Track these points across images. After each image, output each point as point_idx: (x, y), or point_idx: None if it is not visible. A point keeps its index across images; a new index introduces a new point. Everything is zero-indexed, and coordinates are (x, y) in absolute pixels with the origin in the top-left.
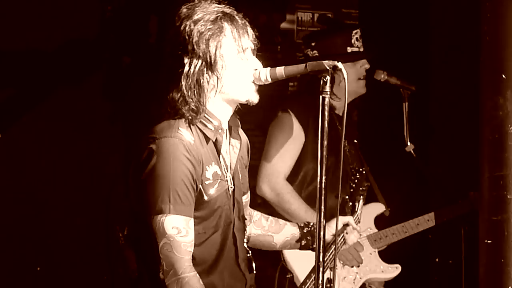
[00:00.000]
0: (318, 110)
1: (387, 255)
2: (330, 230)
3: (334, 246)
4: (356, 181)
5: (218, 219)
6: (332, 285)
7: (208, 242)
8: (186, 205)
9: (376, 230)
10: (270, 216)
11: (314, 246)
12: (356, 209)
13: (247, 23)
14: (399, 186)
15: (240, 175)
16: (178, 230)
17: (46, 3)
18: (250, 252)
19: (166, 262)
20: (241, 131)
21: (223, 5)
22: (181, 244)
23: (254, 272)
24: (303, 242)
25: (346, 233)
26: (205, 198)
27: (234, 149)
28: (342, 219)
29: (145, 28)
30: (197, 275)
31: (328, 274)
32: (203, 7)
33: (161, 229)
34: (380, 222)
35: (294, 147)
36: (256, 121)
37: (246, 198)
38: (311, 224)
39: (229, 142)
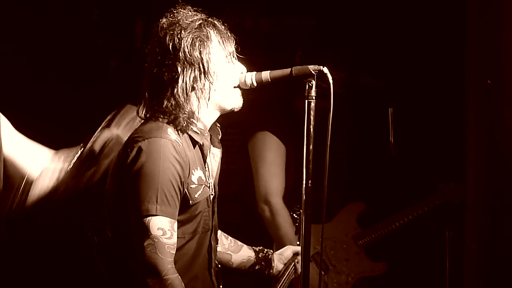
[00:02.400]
0: (290, 117)
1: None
2: (281, 258)
3: (284, 276)
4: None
5: (197, 225)
6: None
7: (184, 247)
8: (172, 207)
9: (360, 230)
10: (229, 236)
11: (267, 272)
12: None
13: (227, 28)
14: (381, 186)
15: (217, 188)
16: (163, 231)
17: (34, 6)
18: (219, 265)
19: (149, 262)
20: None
21: (201, 12)
22: (165, 245)
23: (221, 286)
24: (257, 267)
25: (297, 262)
26: (190, 202)
27: (215, 157)
28: (293, 249)
29: (131, 32)
30: (179, 277)
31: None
32: (185, 15)
33: (146, 230)
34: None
35: (282, 163)
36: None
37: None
38: (266, 250)
39: (210, 150)
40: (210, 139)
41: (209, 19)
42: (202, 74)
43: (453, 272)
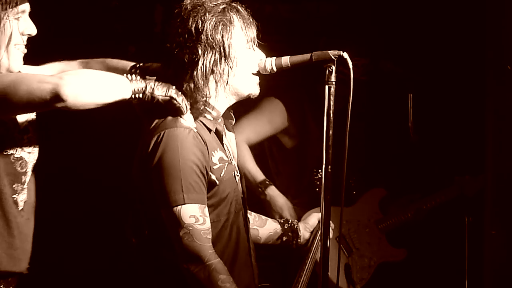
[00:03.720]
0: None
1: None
2: (307, 227)
3: (314, 244)
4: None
5: (230, 205)
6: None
7: (222, 230)
8: (199, 192)
9: (381, 215)
10: (251, 211)
11: (294, 242)
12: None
13: (250, 14)
14: (400, 171)
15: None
16: (196, 218)
17: None
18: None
19: (190, 251)
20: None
21: None
22: (200, 232)
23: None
24: (284, 238)
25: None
26: (217, 182)
27: (232, 140)
28: (318, 216)
29: (151, 17)
30: (221, 261)
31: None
32: None
33: (179, 220)
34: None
35: (273, 128)
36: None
37: None
38: (290, 220)
39: (225, 134)
40: (224, 124)
41: (233, 3)
42: (223, 58)
43: (473, 258)
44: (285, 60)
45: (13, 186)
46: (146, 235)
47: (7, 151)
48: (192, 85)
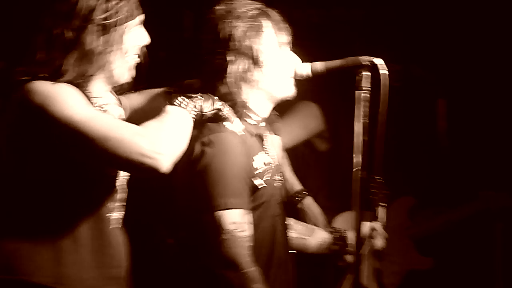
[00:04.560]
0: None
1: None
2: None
3: (365, 253)
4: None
5: (270, 209)
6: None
7: (262, 234)
8: (243, 198)
9: (410, 223)
10: (298, 221)
11: (344, 251)
12: (377, 215)
13: (283, 19)
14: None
15: (283, 173)
16: (237, 225)
17: None
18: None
19: (226, 257)
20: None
21: (257, 2)
22: (240, 239)
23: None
24: (334, 248)
25: (374, 237)
26: (259, 187)
27: (275, 144)
28: (368, 224)
29: (180, 22)
30: (257, 270)
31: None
32: (240, 4)
33: (220, 225)
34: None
35: (308, 126)
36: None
37: None
38: (339, 229)
39: (268, 138)
40: (268, 127)
41: (265, 9)
42: (253, 64)
43: (504, 265)
44: (320, 65)
45: (108, 204)
46: (183, 238)
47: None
48: (225, 91)
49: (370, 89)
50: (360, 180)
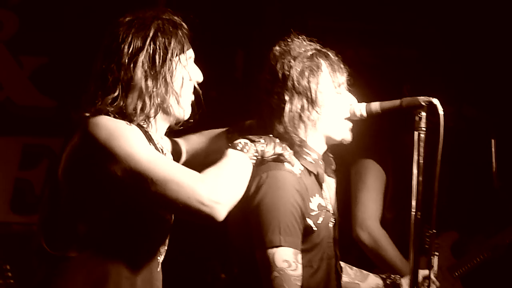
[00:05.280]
0: (398, 150)
1: None
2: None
3: None
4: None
5: (322, 252)
6: None
7: (314, 277)
8: (295, 237)
9: (454, 260)
10: (352, 266)
11: None
12: (432, 264)
13: (340, 60)
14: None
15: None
16: (289, 263)
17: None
18: None
19: None
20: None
21: (315, 42)
22: (291, 277)
23: None
24: None
25: (427, 286)
26: (313, 229)
27: (330, 186)
28: (422, 272)
29: (231, 62)
30: None
31: None
32: (298, 44)
33: (272, 262)
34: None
35: (382, 191)
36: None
37: None
38: (393, 276)
39: (325, 180)
40: (324, 168)
41: (322, 49)
42: (310, 104)
43: None
44: (375, 105)
45: (161, 248)
46: (236, 273)
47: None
48: (282, 130)
49: (424, 130)
50: (416, 222)
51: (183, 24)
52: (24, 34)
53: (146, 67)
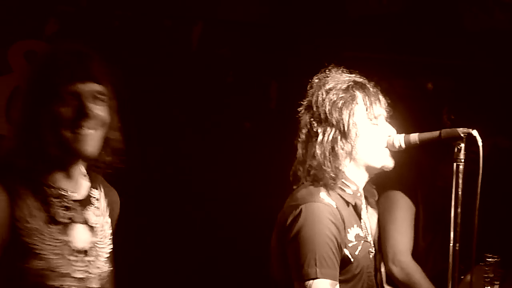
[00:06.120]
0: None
1: None
2: None
3: None
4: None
5: (362, 283)
6: None
7: None
8: (332, 268)
9: None
10: None
11: None
12: None
13: (379, 91)
14: None
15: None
16: None
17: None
18: None
19: None
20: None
21: (354, 74)
22: None
23: None
24: None
25: None
26: (351, 260)
27: (372, 217)
28: None
29: (266, 93)
30: None
31: None
32: (335, 76)
33: None
34: None
35: (412, 222)
36: None
37: (382, 268)
38: None
39: (367, 210)
40: (366, 199)
41: (359, 80)
42: (342, 136)
43: None
44: (414, 137)
45: None
46: None
47: None
48: (315, 163)
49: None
50: (454, 254)
51: None
52: None
53: None
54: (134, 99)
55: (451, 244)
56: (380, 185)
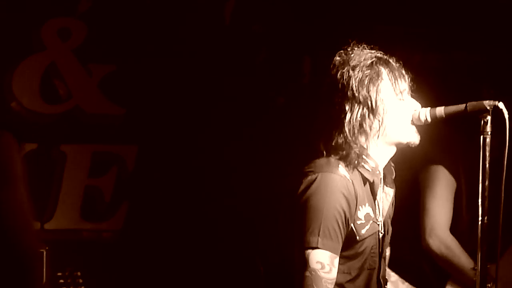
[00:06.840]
0: (467, 156)
1: None
2: None
3: None
4: None
5: (364, 261)
6: None
7: (352, 284)
8: (334, 241)
9: None
10: (405, 281)
11: None
12: None
13: (401, 66)
14: None
15: (389, 227)
16: (322, 265)
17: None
18: None
19: None
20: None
21: (376, 50)
22: (322, 279)
23: None
24: None
25: None
26: (357, 238)
27: (387, 196)
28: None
29: (299, 68)
30: None
31: None
32: (357, 53)
33: (306, 261)
34: None
35: (451, 197)
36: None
37: (387, 252)
38: None
39: (383, 189)
40: (384, 178)
41: (382, 56)
42: (370, 113)
43: None
44: (440, 110)
45: None
46: (273, 267)
47: None
48: (342, 140)
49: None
50: (483, 228)
51: None
52: (92, 42)
53: None
54: (166, 76)
55: (480, 218)
56: (421, 160)
